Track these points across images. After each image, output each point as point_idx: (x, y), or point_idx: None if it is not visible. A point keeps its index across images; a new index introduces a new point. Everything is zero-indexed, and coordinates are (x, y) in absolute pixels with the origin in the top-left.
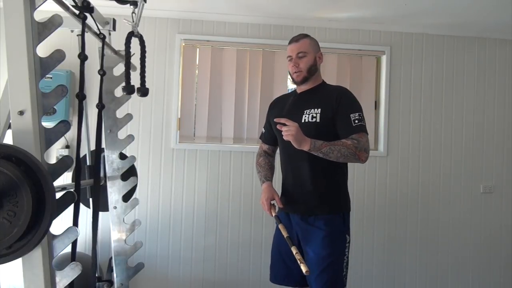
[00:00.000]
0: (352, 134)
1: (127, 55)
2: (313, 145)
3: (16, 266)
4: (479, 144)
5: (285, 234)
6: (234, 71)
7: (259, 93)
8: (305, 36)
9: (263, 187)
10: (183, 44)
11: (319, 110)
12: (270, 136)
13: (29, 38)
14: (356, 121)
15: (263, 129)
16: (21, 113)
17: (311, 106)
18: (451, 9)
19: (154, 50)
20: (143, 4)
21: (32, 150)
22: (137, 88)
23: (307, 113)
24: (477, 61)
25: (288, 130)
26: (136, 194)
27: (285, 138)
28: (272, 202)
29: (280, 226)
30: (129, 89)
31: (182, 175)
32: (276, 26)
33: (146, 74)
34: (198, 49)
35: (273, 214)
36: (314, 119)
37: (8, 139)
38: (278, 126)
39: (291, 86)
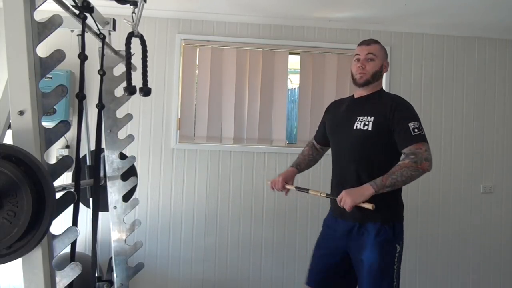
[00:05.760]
0: (411, 143)
1: (128, 56)
2: (376, 187)
3: (16, 266)
4: (479, 144)
5: (320, 193)
6: (234, 71)
7: (259, 93)
8: (376, 41)
9: (286, 170)
10: (183, 44)
11: (372, 118)
12: (322, 136)
13: (29, 38)
14: (416, 130)
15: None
16: (21, 113)
17: (364, 113)
18: (451, 9)
19: (154, 50)
20: (143, 4)
21: (32, 150)
22: (140, 88)
23: (360, 120)
24: (477, 61)
25: (341, 202)
26: (136, 194)
27: (347, 209)
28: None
29: (311, 192)
30: (130, 90)
31: (182, 175)
32: (276, 26)
33: (147, 74)
34: (198, 49)
35: (287, 189)
36: (366, 127)
37: (8, 139)
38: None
39: (291, 86)
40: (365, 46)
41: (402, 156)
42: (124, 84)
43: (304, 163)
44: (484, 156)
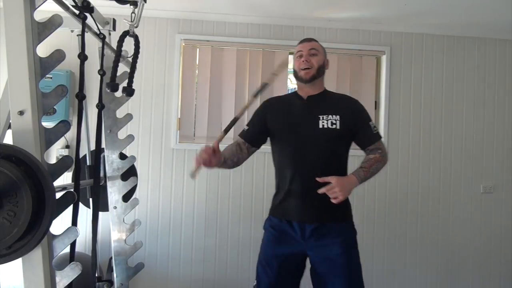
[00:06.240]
0: (375, 141)
1: (118, 53)
2: (360, 179)
3: (16, 266)
4: (479, 144)
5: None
6: (234, 71)
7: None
8: (316, 40)
9: None
10: (183, 44)
11: (338, 117)
12: (256, 136)
13: (29, 38)
14: (375, 129)
15: (245, 126)
16: (21, 113)
17: (327, 112)
18: (451, 9)
19: (154, 50)
20: (143, 4)
21: (32, 150)
22: (123, 87)
23: (324, 118)
24: (477, 61)
25: (334, 192)
26: (136, 194)
27: (336, 201)
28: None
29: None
30: (112, 87)
31: (182, 175)
32: (276, 26)
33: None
34: (198, 49)
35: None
36: (334, 126)
37: (8, 139)
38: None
39: (291, 86)
40: (307, 43)
41: (367, 152)
42: (125, 84)
43: (228, 154)
44: (484, 156)
